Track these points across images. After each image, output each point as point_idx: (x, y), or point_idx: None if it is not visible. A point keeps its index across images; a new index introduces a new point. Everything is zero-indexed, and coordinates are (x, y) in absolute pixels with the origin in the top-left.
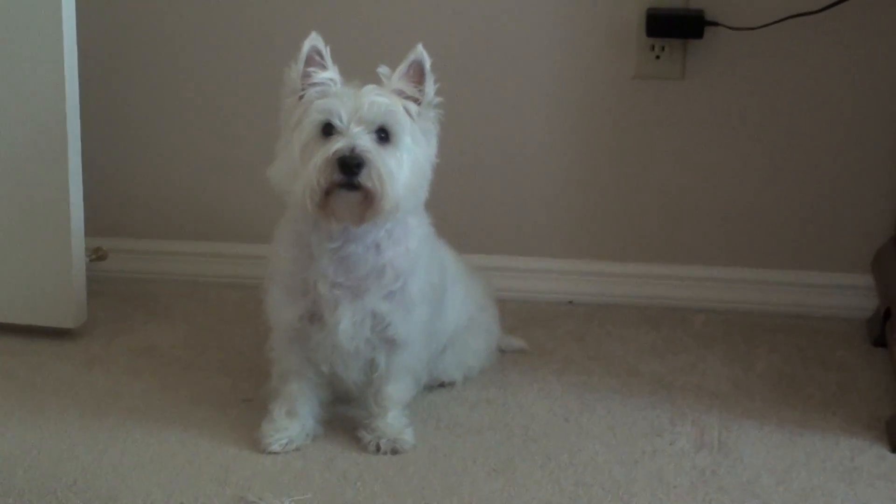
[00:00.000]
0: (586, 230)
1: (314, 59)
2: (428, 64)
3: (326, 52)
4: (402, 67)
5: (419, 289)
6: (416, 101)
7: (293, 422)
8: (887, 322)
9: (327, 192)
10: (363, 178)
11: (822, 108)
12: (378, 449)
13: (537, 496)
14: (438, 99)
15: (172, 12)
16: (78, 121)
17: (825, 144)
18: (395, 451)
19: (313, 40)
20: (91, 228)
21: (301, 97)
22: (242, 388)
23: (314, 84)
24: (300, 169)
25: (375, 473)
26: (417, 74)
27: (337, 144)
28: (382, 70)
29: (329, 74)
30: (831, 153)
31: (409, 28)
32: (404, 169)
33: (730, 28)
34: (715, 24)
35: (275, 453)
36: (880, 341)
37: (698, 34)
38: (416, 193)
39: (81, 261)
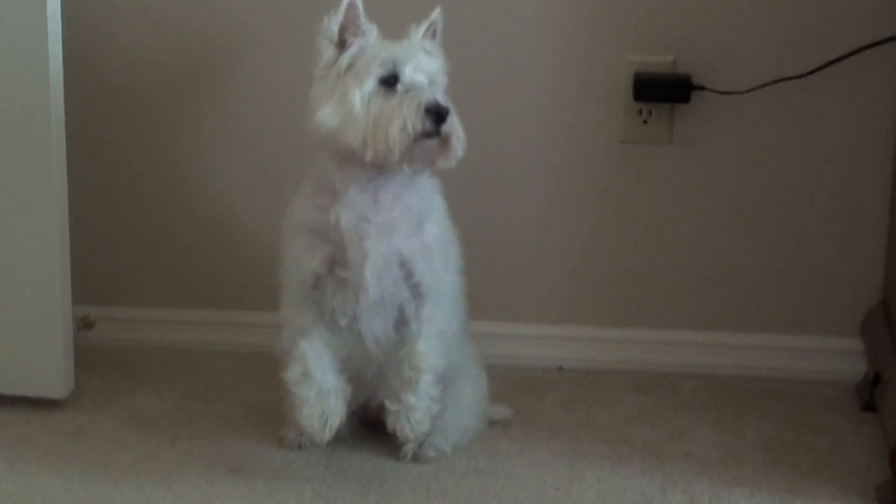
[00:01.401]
0: (575, 295)
1: (353, 12)
2: (440, 26)
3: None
4: (424, 27)
5: (435, 237)
6: None
7: (312, 385)
8: (876, 387)
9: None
10: (447, 125)
11: (809, 171)
12: (405, 455)
13: None
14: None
15: (162, 76)
16: (65, 187)
17: (813, 207)
18: (416, 459)
19: None
20: (78, 297)
21: (341, 47)
22: (230, 458)
23: (357, 34)
24: (365, 117)
25: None
26: (433, 36)
27: (426, 95)
28: (412, 28)
29: (370, 27)
30: (819, 216)
31: None
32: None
33: (717, 92)
34: (702, 88)
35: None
36: (870, 406)
37: (685, 98)
38: None
39: (69, 329)
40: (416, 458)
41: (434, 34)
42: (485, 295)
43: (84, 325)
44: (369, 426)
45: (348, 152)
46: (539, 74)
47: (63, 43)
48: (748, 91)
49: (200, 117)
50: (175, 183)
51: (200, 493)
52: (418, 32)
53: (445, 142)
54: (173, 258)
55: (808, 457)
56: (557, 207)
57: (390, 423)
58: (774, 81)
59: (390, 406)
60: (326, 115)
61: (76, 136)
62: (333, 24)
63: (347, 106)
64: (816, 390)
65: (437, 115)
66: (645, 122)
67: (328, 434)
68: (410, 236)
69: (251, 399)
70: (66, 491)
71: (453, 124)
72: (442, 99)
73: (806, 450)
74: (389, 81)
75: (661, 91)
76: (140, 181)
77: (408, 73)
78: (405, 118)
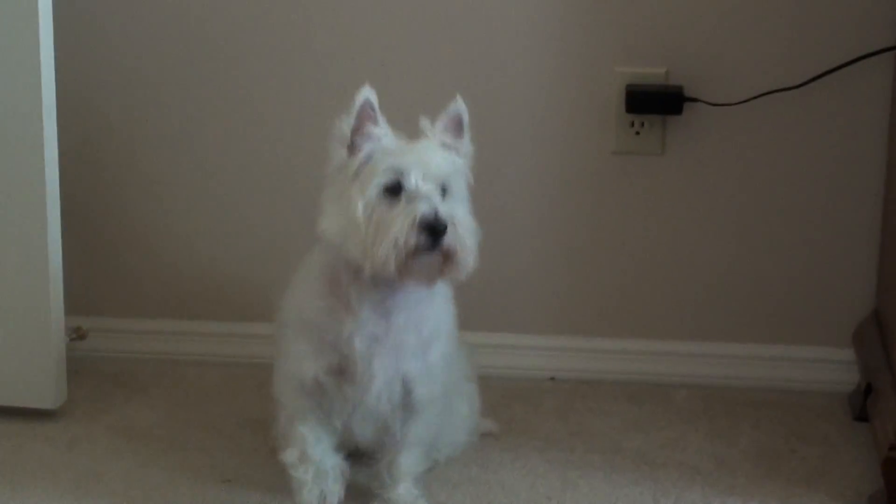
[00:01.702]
0: (567, 306)
1: (367, 112)
2: (466, 116)
3: (377, 105)
4: (443, 119)
5: (442, 354)
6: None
7: (310, 468)
8: (869, 397)
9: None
10: (447, 240)
11: (801, 182)
12: None
13: None
14: (471, 149)
15: (156, 86)
16: (58, 199)
17: (805, 218)
18: None
19: (367, 93)
20: (70, 308)
21: (352, 150)
22: (223, 468)
23: (368, 138)
24: (366, 229)
25: None
26: (456, 126)
27: (420, 208)
28: (425, 123)
29: (383, 129)
30: (811, 227)
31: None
32: (469, 222)
33: (709, 104)
34: (694, 100)
35: None
36: (862, 416)
37: (678, 110)
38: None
39: (61, 340)
40: None
41: (459, 124)
42: (477, 306)
43: (76, 335)
44: None
45: (354, 264)
46: (532, 86)
47: (55, 52)
48: (740, 103)
49: (193, 129)
50: (167, 194)
51: (193, 502)
52: (434, 129)
53: (448, 257)
54: (166, 269)
55: (801, 466)
56: (549, 218)
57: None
58: (766, 93)
59: (374, 487)
60: (330, 223)
61: (69, 147)
62: (345, 126)
63: (350, 215)
64: (809, 400)
65: (432, 230)
66: (637, 133)
67: None
68: (417, 357)
69: (243, 409)
70: (59, 501)
71: (456, 238)
72: (445, 209)
73: (798, 459)
74: (394, 190)
75: (654, 103)
76: (132, 193)
77: (412, 182)
78: (397, 233)
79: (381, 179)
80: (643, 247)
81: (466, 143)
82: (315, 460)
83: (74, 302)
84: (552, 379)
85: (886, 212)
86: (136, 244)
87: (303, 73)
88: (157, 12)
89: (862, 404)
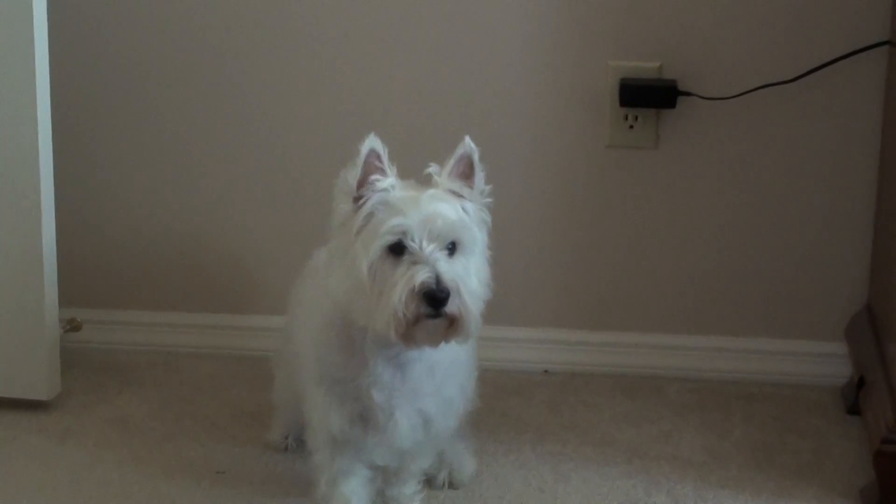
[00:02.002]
0: (561, 299)
1: (372, 163)
2: (477, 155)
3: (385, 153)
4: (451, 163)
5: (461, 384)
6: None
7: None
8: (861, 390)
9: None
10: (450, 307)
11: (795, 176)
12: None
13: None
14: (489, 187)
15: (152, 78)
16: (52, 190)
17: (799, 212)
18: (451, 486)
19: (372, 142)
20: (65, 299)
21: (359, 202)
22: (216, 460)
23: (374, 189)
24: (370, 292)
25: None
26: (466, 168)
27: (420, 275)
28: (433, 170)
29: (390, 181)
30: (805, 220)
31: (381, 98)
32: (476, 282)
33: (702, 98)
34: (688, 94)
35: None
36: (854, 409)
37: (671, 104)
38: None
39: (55, 332)
40: (451, 486)
41: (470, 166)
42: None
43: (71, 327)
44: None
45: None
46: (525, 80)
47: (50, 46)
48: (734, 97)
49: (189, 121)
50: (162, 186)
51: (187, 495)
52: (442, 175)
53: (453, 322)
54: (160, 261)
55: (793, 459)
56: (543, 212)
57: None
58: (760, 87)
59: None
60: (336, 284)
61: (63, 138)
62: (350, 178)
63: (355, 275)
64: (802, 393)
65: (433, 299)
66: (631, 127)
67: None
68: (432, 395)
69: (237, 401)
70: (53, 491)
71: (461, 304)
72: (449, 272)
73: (791, 452)
74: (397, 249)
75: (647, 96)
76: (127, 184)
77: (416, 242)
78: (397, 302)
79: (383, 241)
80: (636, 240)
81: (480, 183)
82: None
83: (69, 293)
84: (545, 372)
85: (879, 206)
86: (132, 236)
87: (299, 63)
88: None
89: (854, 398)
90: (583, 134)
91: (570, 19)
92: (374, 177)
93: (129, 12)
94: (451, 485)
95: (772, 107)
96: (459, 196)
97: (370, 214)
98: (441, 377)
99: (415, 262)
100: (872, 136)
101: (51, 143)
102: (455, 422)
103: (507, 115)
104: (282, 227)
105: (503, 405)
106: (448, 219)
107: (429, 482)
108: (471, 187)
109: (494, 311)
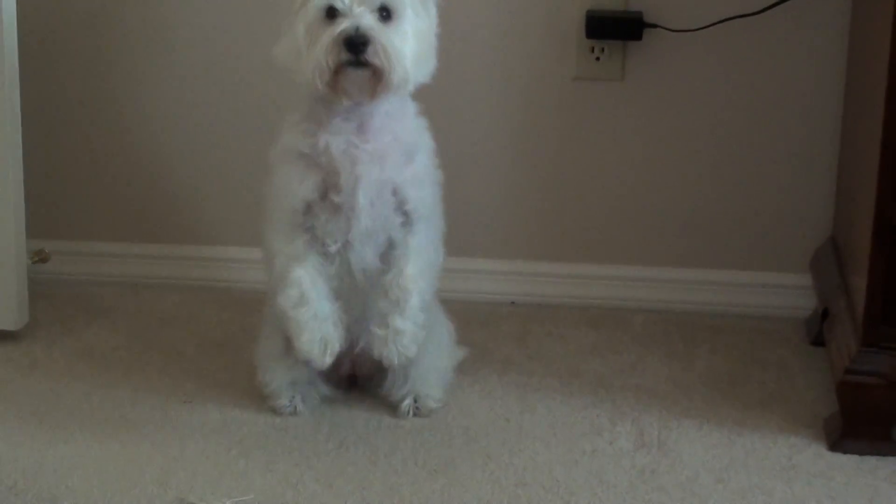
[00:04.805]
0: (527, 231)
1: None
2: None
3: None
4: None
5: (426, 168)
6: None
7: (309, 309)
8: (825, 321)
9: (336, 72)
10: (370, 55)
11: (761, 108)
12: (406, 411)
13: (477, 496)
14: None
15: (114, 12)
16: (18, 122)
17: (764, 145)
18: (416, 413)
19: None
20: (33, 231)
21: None
22: (183, 390)
23: None
24: (306, 49)
25: (316, 474)
26: None
27: (342, 25)
28: None
29: None
30: (770, 154)
31: None
32: (409, 42)
33: (669, 30)
34: (654, 26)
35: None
36: (818, 340)
37: (637, 36)
38: (424, 64)
39: (23, 263)
40: (416, 413)
41: None
42: None
43: (38, 258)
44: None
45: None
46: (491, 12)
47: None
48: (700, 29)
49: (152, 53)
50: (128, 117)
51: (153, 421)
52: None
53: (377, 73)
54: (127, 192)
55: (757, 390)
56: (509, 144)
57: (377, 349)
58: (726, 19)
59: (377, 331)
60: (279, 49)
61: (29, 71)
62: None
63: (294, 38)
64: (766, 325)
65: (351, 45)
66: (597, 59)
67: (329, 359)
68: (402, 166)
69: (204, 332)
70: (19, 421)
71: (382, 54)
72: (372, 26)
73: (755, 383)
74: (331, 13)
75: (614, 28)
76: (93, 116)
77: (344, 3)
78: (320, 49)
79: (316, 3)
80: (602, 173)
81: None
82: (313, 301)
83: (37, 225)
84: (512, 303)
85: (844, 139)
86: (100, 167)
87: None
88: None
89: (818, 329)
90: (549, 66)
91: None
92: None
93: None
94: (417, 413)
95: (738, 39)
96: None
97: None
98: (409, 150)
99: (342, 21)
100: (837, 69)
101: (17, 76)
102: (430, 205)
103: (473, 48)
104: (247, 158)
105: (470, 336)
106: None
107: (394, 409)
108: None
109: (461, 243)
